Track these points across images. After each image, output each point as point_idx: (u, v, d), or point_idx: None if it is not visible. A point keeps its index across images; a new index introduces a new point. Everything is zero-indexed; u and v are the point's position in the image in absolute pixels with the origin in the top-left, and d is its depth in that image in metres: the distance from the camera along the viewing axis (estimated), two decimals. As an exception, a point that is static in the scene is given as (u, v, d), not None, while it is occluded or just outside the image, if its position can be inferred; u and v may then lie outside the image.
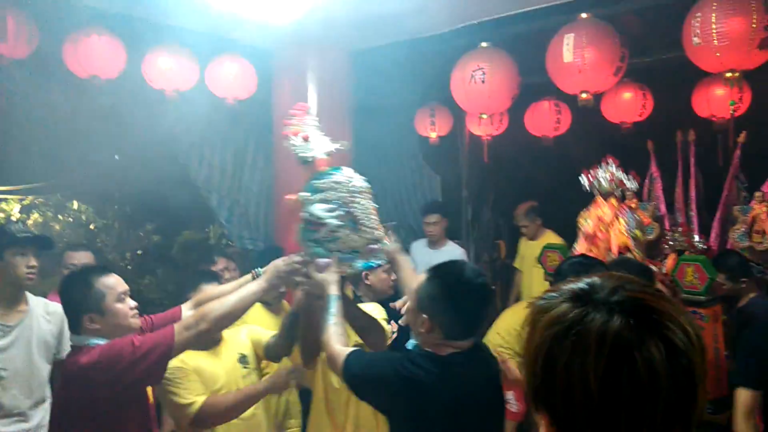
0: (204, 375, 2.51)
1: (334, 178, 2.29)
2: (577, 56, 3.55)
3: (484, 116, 4.37)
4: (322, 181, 2.29)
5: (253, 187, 5.31)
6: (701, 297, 3.34)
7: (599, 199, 3.20)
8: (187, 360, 2.48)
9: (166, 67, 4.10)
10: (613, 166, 3.12)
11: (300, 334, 2.47)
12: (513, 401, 3.97)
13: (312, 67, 4.34)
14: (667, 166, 4.29)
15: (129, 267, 6.09)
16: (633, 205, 3.46)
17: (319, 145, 2.39)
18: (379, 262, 2.33)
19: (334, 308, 2.12)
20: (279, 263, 2.30)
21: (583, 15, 3.65)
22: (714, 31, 3.13)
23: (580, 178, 3.59)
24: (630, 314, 0.82)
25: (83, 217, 6.20)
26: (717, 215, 4.03)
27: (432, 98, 5.62)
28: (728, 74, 3.24)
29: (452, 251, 4.90)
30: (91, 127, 4.76)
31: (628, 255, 3.28)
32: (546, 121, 5.14)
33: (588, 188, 3.23)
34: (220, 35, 4.22)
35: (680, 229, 3.96)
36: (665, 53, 4.41)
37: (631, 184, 3.15)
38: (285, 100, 4.40)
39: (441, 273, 1.92)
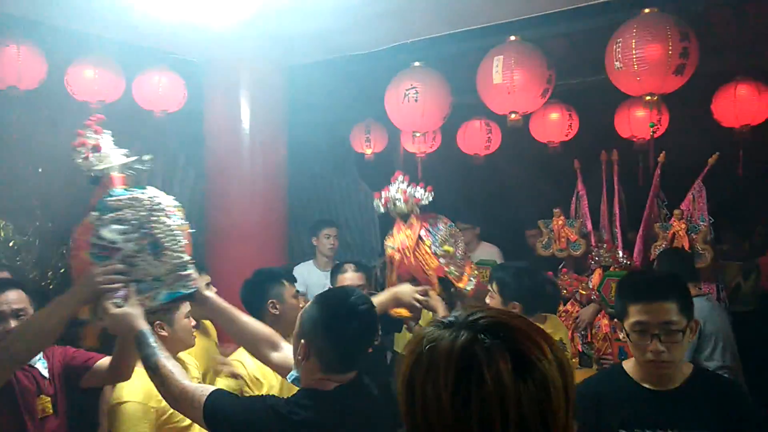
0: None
1: (132, 195, 1.98)
2: (506, 78, 3.64)
3: (418, 134, 4.41)
4: (116, 198, 1.95)
5: (183, 201, 5.16)
6: (625, 311, 3.44)
7: (399, 221, 2.72)
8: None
9: (91, 78, 3.96)
10: (405, 182, 2.72)
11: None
12: None
13: (245, 81, 4.28)
14: (593, 184, 4.44)
15: (51, 286, 5.81)
16: (430, 220, 2.78)
17: (111, 158, 2.08)
18: (189, 291, 2.00)
19: (153, 341, 1.81)
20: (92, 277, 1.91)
21: (512, 37, 3.75)
22: (634, 56, 3.28)
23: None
24: (479, 331, 0.84)
25: (2, 234, 5.88)
26: (640, 232, 4.18)
27: (368, 115, 5.65)
28: (648, 97, 3.39)
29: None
30: (11, 139, 4.54)
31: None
32: (477, 139, 5.25)
33: (385, 210, 2.75)
34: (149, 47, 4.11)
35: (605, 245, 4.10)
36: (590, 76, 4.59)
37: (426, 200, 2.68)
38: (217, 114, 4.33)
39: (324, 297, 1.84)
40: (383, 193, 2.72)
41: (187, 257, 2.00)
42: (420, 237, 2.65)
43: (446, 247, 2.68)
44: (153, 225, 1.94)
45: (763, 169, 5.00)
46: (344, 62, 4.46)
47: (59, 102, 4.11)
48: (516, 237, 5.35)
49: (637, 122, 4.59)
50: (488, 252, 5.21)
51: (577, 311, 3.95)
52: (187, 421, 2.36)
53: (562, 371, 0.84)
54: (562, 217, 4.25)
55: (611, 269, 3.87)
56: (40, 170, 5.32)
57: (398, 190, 2.70)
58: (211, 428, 1.67)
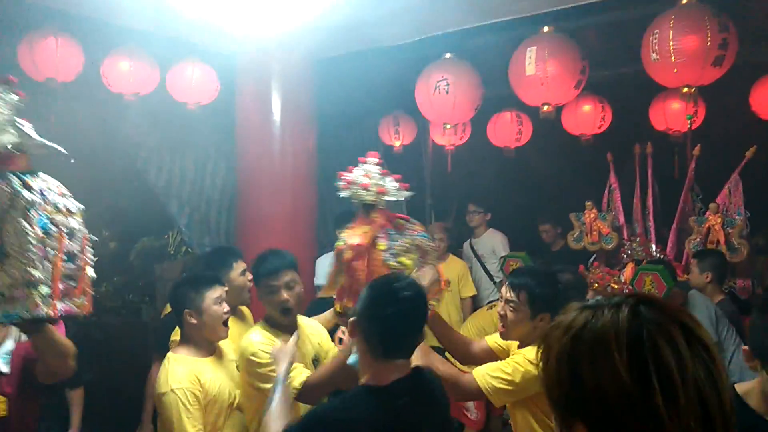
0: (213, 389, 2.47)
1: None
2: (539, 69, 3.60)
3: (448, 126, 4.40)
4: None
5: (214, 193, 5.24)
6: (659, 306, 3.40)
7: (362, 214, 2.32)
8: (203, 378, 2.44)
9: (126, 71, 4.02)
10: (373, 165, 2.29)
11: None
12: (472, 409, 3.99)
13: (276, 73, 4.30)
14: (626, 177, 4.39)
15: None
16: (396, 221, 2.37)
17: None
18: (28, 316, 1.66)
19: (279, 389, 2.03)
20: None
21: (545, 28, 3.71)
22: (671, 47, 3.22)
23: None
24: (635, 304, 0.85)
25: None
26: (673, 226, 4.13)
27: (396, 107, 5.64)
28: (685, 89, 3.33)
29: None
30: (46, 130, 4.62)
31: None
32: (508, 132, 5.21)
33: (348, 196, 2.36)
34: (183, 39, 4.15)
35: (638, 239, 4.05)
36: (624, 67, 4.52)
37: (396, 195, 2.27)
38: (248, 106, 4.36)
39: (374, 282, 1.88)
40: (347, 174, 2.31)
41: (38, 275, 1.62)
42: (376, 238, 2.26)
43: (402, 260, 2.28)
44: (4, 225, 1.62)
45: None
46: (374, 54, 4.45)
47: (95, 94, 4.18)
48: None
49: (673, 114, 4.51)
50: (493, 238, 5.19)
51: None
52: (235, 398, 2.52)
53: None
54: (594, 210, 4.20)
55: (644, 263, 3.82)
56: (72, 161, 5.44)
57: (363, 175, 2.28)
58: None
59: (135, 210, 5.65)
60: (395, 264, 2.24)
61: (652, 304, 0.86)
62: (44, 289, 1.65)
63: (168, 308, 3.62)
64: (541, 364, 0.92)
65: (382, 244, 2.24)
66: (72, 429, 3.41)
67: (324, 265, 4.28)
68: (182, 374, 2.40)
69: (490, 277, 5.02)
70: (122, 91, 4.06)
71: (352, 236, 2.28)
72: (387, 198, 2.26)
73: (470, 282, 4.87)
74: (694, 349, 0.82)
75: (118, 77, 4.04)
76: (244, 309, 3.22)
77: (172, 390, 2.36)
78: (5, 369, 2.10)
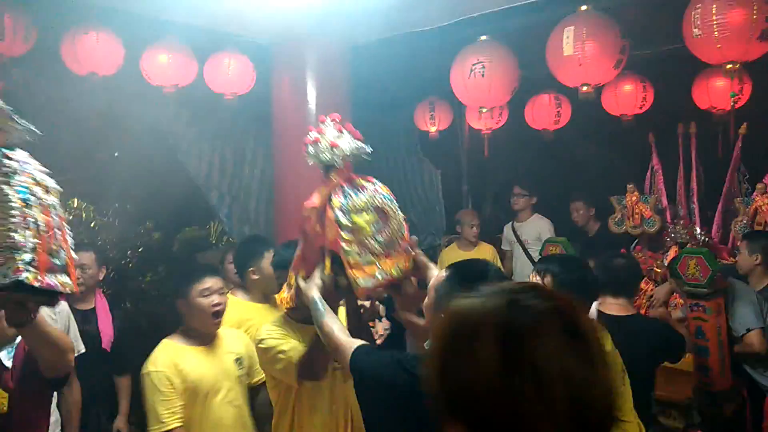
0: (192, 376, 2.53)
1: None
2: (578, 49, 3.53)
3: (484, 110, 4.35)
4: None
5: (253, 183, 5.31)
6: (704, 290, 3.33)
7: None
8: (182, 365, 2.51)
9: (165, 63, 4.09)
10: (333, 125, 2.14)
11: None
12: None
13: (311, 61, 4.31)
14: (669, 158, 4.28)
15: (131, 264, 6.09)
16: (356, 181, 2.14)
17: None
18: (4, 281, 1.58)
19: (321, 306, 2.01)
20: None
21: (583, 7, 3.62)
22: (714, 22, 3.11)
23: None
24: (518, 292, 0.80)
25: (84, 215, 6.19)
26: (719, 207, 4.02)
27: (432, 92, 5.61)
28: (729, 66, 3.22)
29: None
30: (90, 124, 4.75)
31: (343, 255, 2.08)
32: (546, 114, 5.13)
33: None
34: (218, 30, 4.20)
35: (682, 221, 3.95)
36: (665, 45, 4.39)
37: (354, 152, 2.08)
38: (284, 95, 4.40)
39: (463, 270, 1.79)
40: (312, 134, 2.18)
41: (20, 239, 1.56)
42: (330, 197, 2.06)
43: (357, 219, 2.01)
44: None
45: None
46: (408, 39, 4.41)
47: (135, 87, 4.27)
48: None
49: (717, 92, 4.37)
50: (538, 224, 5.15)
51: (651, 290, 3.83)
52: (220, 390, 2.58)
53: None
54: (636, 193, 4.11)
55: (688, 246, 3.72)
56: (116, 154, 5.57)
57: (327, 135, 2.14)
58: (355, 379, 1.80)
59: (177, 201, 5.76)
60: (347, 222, 2.00)
61: (534, 293, 0.81)
62: (27, 256, 1.57)
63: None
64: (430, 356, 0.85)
65: (336, 201, 2.04)
66: (120, 416, 3.52)
67: None
68: (161, 359, 2.52)
69: (533, 262, 4.98)
70: (161, 83, 4.14)
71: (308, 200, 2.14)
72: (346, 156, 2.08)
73: (499, 266, 4.85)
74: (574, 344, 0.76)
75: (157, 70, 4.11)
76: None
77: (148, 372, 2.49)
78: (8, 363, 2.00)
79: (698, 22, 3.19)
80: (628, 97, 4.66)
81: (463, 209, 5.44)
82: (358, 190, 2.10)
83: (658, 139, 4.30)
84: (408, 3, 3.80)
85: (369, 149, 2.16)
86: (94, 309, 3.59)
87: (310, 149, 2.18)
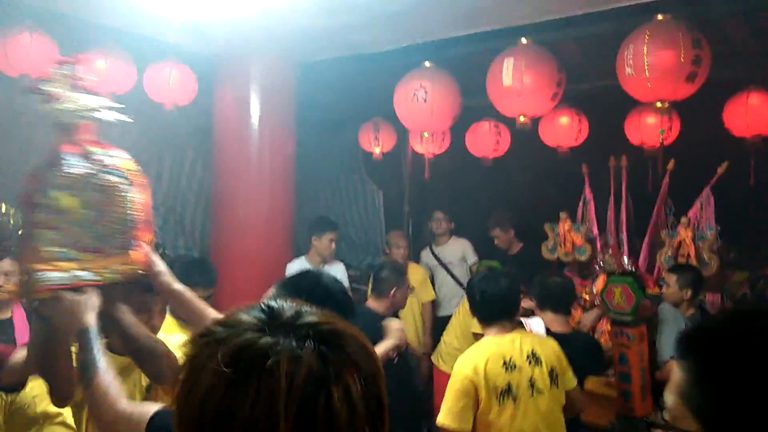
0: None
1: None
2: (516, 80, 3.63)
3: (426, 135, 4.41)
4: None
5: (190, 195, 5.20)
6: (628, 317, 3.44)
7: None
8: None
9: (101, 70, 3.97)
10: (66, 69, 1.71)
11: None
12: None
13: (255, 76, 4.29)
14: (601, 189, 4.43)
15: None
16: (87, 148, 1.71)
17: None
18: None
19: (98, 347, 1.51)
20: None
21: (523, 40, 3.74)
22: (646, 63, 3.26)
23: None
24: (311, 337, 0.72)
25: (11, 222, 5.92)
26: (646, 239, 4.18)
27: (376, 114, 5.65)
28: (658, 104, 3.38)
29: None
30: (21, 128, 4.55)
31: None
32: (486, 142, 5.24)
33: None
34: (161, 39, 4.12)
35: (611, 250, 4.08)
36: (601, 81, 4.57)
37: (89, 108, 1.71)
38: (226, 108, 4.35)
39: (295, 280, 1.66)
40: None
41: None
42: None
43: (61, 197, 1.60)
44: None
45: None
46: (355, 60, 4.46)
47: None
48: (521, 239, 5.32)
49: (648, 129, 4.57)
50: (459, 245, 5.26)
51: (580, 315, 3.94)
52: (40, 409, 2.23)
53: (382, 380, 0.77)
54: (568, 221, 4.24)
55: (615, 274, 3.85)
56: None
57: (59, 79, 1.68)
58: None
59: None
60: (44, 199, 1.59)
61: (330, 335, 0.74)
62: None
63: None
64: (180, 390, 0.73)
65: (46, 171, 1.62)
66: None
67: (294, 270, 4.25)
68: None
69: (459, 283, 5.07)
70: (97, 90, 4.01)
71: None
72: (81, 113, 1.72)
73: (430, 287, 5.02)
74: (367, 396, 0.72)
75: (94, 75, 3.98)
76: None
77: None
78: None
79: (631, 62, 3.34)
80: (564, 129, 4.82)
81: (394, 230, 5.46)
82: (83, 159, 1.64)
83: (592, 170, 4.45)
84: (355, 26, 3.83)
85: (112, 107, 1.80)
86: (10, 319, 3.41)
87: (46, 104, 1.68)
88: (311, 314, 0.77)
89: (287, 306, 0.78)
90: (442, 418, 2.49)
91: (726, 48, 4.11)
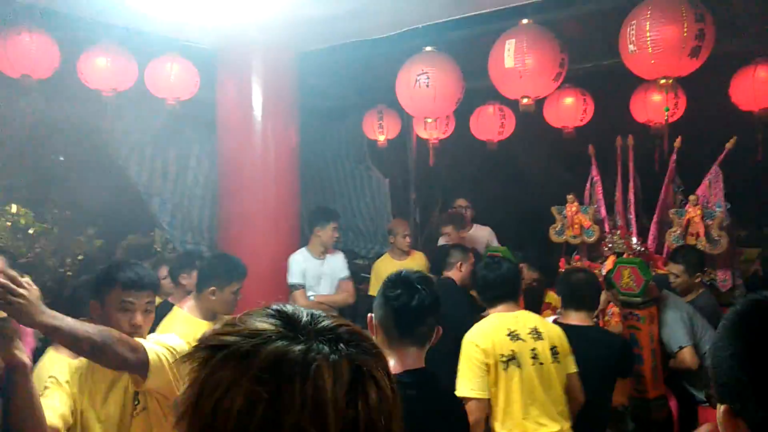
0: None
1: None
2: (518, 62, 3.58)
3: (430, 120, 4.38)
4: None
5: (197, 189, 5.22)
6: (638, 299, 3.42)
7: None
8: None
9: (103, 67, 3.98)
10: None
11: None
12: None
13: (257, 68, 4.28)
14: (608, 170, 4.39)
15: (69, 272, 5.89)
16: None
17: None
18: None
19: None
20: None
21: (524, 21, 3.69)
22: (648, 38, 3.20)
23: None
24: (340, 342, 0.73)
25: (22, 221, 5.97)
26: (654, 218, 4.13)
27: (380, 101, 5.62)
28: (662, 81, 3.32)
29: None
30: (26, 128, 4.59)
31: None
32: (490, 125, 5.20)
33: None
34: (161, 35, 4.12)
35: (619, 231, 4.05)
36: (605, 59, 4.51)
37: None
38: (229, 101, 4.35)
39: (389, 279, 2.00)
40: None
41: None
42: None
43: None
44: None
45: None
46: (356, 48, 4.43)
47: (73, 90, 4.15)
48: (528, 223, 5.30)
49: (653, 106, 4.51)
50: (483, 233, 5.21)
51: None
52: None
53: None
54: (576, 203, 4.20)
55: (625, 256, 3.82)
56: (61, 158, 5.38)
57: None
58: None
59: (120, 208, 5.62)
60: None
61: (357, 341, 0.75)
62: None
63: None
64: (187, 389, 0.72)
65: None
66: None
67: (296, 262, 4.28)
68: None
69: None
70: (100, 87, 4.03)
71: None
72: None
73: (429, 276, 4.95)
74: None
75: (95, 73, 4.00)
76: None
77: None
78: None
79: (633, 39, 3.28)
80: (568, 110, 4.77)
81: (396, 218, 5.44)
82: None
83: (598, 150, 4.41)
84: (354, 12, 3.80)
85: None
86: None
87: None
88: (323, 317, 0.77)
89: (297, 309, 0.77)
90: (463, 391, 2.58)
91: (731, 21, 4.04)
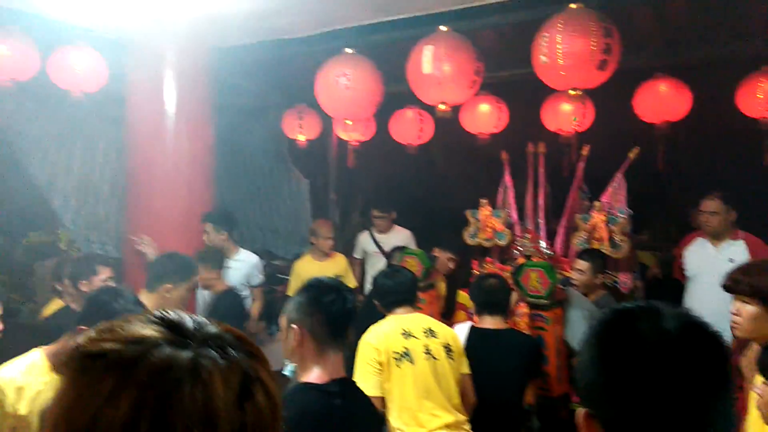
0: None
1: None
2: (436, 68, 3.63)
3: (349, 122, 4.37)
4: None
5: (104, 186, 4.98)
6: (544, 301, 3.55)
7: None
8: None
9: (1, 55, 3.73)
10: None
11: None
12: None
13: (170, 61, 4.13)
14: (520, 175, 4.52)
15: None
16: None
17: None
18: None
19: None
20: None
21: (443, 28, 3.75)
22: (559, 51, 3.32)
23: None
24: (233, 349, 0.72)
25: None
26: (562, 222, 4.30)
27: (300, 100, 5.56)
28: (572, 92, 3.45)
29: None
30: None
31: None
32: (410, 129, 5.25)
33: None
34: (68, 22, 3.90)
35: (529, 235, 4.18)
36: (520, 68, 4.64)
37: None
38: (139, 95, 4.18)
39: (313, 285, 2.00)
40: None
41: None
42: None
43: None
44: None
45: (681, 164, 5.21)
46: (276, 46, 4.37)
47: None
48: (446, 226, 5.39)
49: (563, 116, 4.69)
50: (401, 236, 5.27)
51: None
52: None
53: None
54: (489, 207, 4.31)
55: (533, 259, 3.95)
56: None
57: None
58: None
59: (20, 205, 5.30)
60: None
61: (243, 346, 0.74)
62: None
63: (51, 307, 3.42)
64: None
65: None
66: None
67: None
68: None
69: None
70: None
71: None
72: None
73: (352, 275, 5.07)
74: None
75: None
76: None
77: None
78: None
79: (545, 50, 3.39)
80: (484, 117, 4.89)
81: (318, 219, 5.42)
82: None
83: (511, 157, 4.54)
84: (274, 10, 3.74)
85: None
86: None
87: None
88: (208, 323, 0.76)
89: (181, 316, 0.75)
90: None
91: (636, 37, 4.26)
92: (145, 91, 4.15)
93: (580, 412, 0.92)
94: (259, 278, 4.55)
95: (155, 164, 4.12)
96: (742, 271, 2.16)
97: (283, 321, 1.94)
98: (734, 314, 2.15)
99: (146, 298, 2.97)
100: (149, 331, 0.71)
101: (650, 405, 0.85)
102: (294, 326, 1.88)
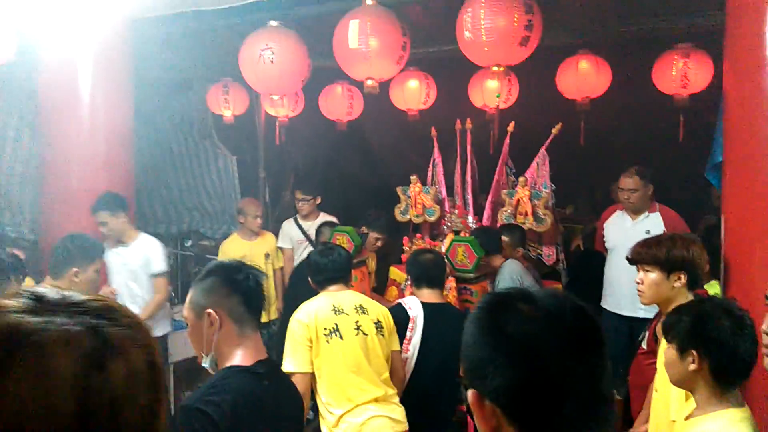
0: None
1: None
2: (362, 43, 3.59)
3: (275, 97, 4.29)
4: None
5: (17, 166, 4.71)
6: (470, 274, 3.62)
7: None
8: None
9: None
10: None
11: None
12: None
13: (83, 33, 3.92)
14: (449, 152, 4.57)
15: None
16: None
17: None
18: None
19: None
20: None
21: (369, 1, 3.70)
22: (482, 27, 3.35)
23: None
24: (94, 318, 0.71)
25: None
26: (488, 198, 4.38)
27: (226, 74, 5.40)
28: (495, 68, 3.49)
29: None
30: None
31: None
32: (339, 105, 5.21)
33: None
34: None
35: (457, 211, 4.24)
36: (447, 44, 4.66)
37: None
38: (52, 68, 3.97)
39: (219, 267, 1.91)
40: None
41: None
42: None
43: None
44: None
45: (602, 139, 5.39)
46: (198, 17, 4.21)
47: None
48: (378, 203, 5.40)
49: (489, 92, 4.76)
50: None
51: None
52: None
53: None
54: (419, 184, 4.33)
55: (462, 234, 4.02)
56: None
57: None
58: None
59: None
60: None
61: (111, 315, 0.73)
62: None
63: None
64: None
65: None
66: None
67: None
68: None
69: None
70: None
71: None
72: None
73: (280, 255, 5.01)
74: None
75: None
76: None
77: None
78: None
79: (469, 26, 3.41)
80: (413, 93, 4.90)
81: (246, 198, 5.32)
82: None
83: (440, 133, 4.57)
84: (192, -20, 3.60)
85: None
86: None
87: None
88: (80, 296, 0.75)
89: (56, 291, 0.75)
90: (288, 367, 2.71)
91: (559, 14, 4.33)
92: (57, 64, 3.94)
93: (469, 393, 0.95)
94: (160, 266, 4.00)
95: (70, 141, 3.93)
96: (643, 244, 2.45)
97: (188, 312, 1.81)
98: (638, 283, 2.41)
99: (53, 286, 2.85)
100: (11, 301, 0.71)
101: (533, 372, 0.89)
102: (210, 311, 1.77)
